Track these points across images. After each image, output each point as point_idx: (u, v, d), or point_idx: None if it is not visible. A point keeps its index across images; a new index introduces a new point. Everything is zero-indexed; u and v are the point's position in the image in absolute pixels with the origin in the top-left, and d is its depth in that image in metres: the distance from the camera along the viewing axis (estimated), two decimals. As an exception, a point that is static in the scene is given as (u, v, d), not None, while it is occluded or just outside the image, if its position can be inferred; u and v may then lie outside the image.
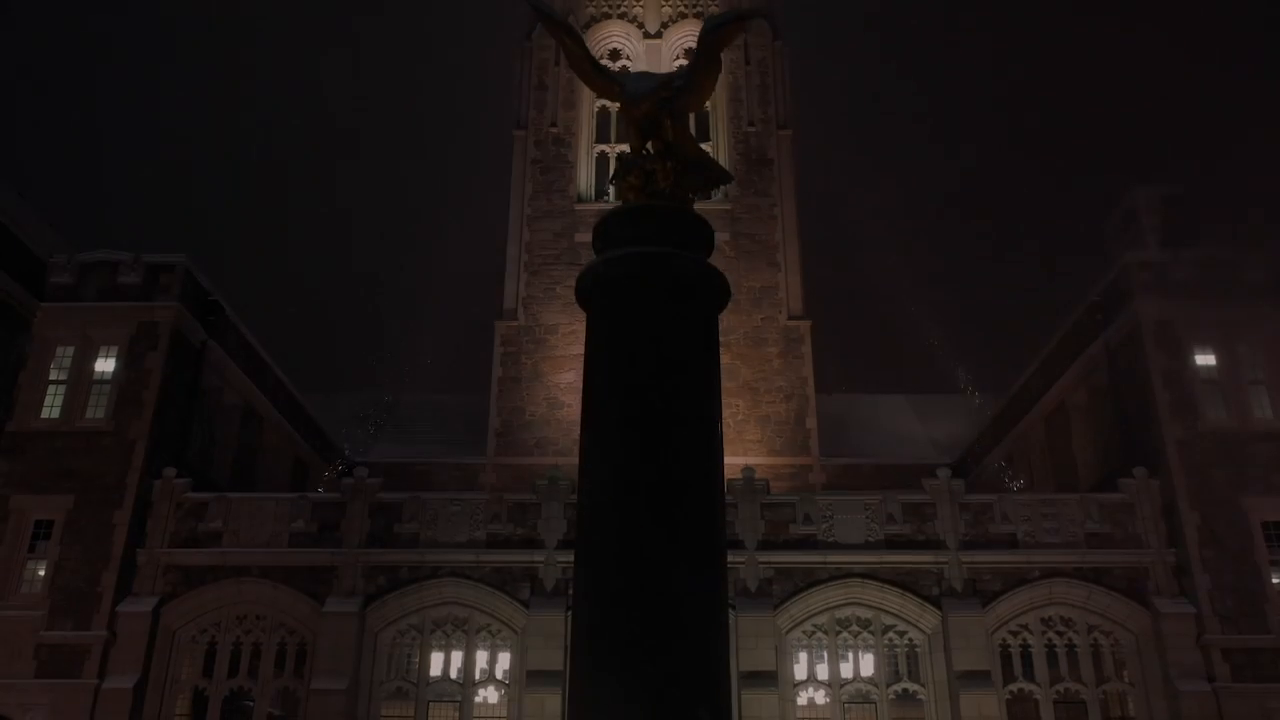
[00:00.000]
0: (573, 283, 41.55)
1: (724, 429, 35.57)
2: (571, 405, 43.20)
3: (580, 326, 39.26)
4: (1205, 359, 27.91)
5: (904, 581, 25.83)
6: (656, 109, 9.39)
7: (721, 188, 47.34)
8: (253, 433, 33.46)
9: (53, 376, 28.07)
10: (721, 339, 35.61)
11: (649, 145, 9.50)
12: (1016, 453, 35.86)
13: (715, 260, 37.61)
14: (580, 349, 38.54)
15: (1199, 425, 26.74)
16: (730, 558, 25.35)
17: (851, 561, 26.05)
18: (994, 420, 38.03)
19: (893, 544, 26.19)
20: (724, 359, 42.99)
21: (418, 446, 45.15)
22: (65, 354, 28.30)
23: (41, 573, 26.13)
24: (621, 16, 51.06)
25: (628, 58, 50.63)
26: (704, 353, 8.75)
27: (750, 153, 47.96)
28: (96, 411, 27.60)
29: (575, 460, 37.26)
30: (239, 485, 32.34)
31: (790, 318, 44.61)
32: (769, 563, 26.06)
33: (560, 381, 43.69)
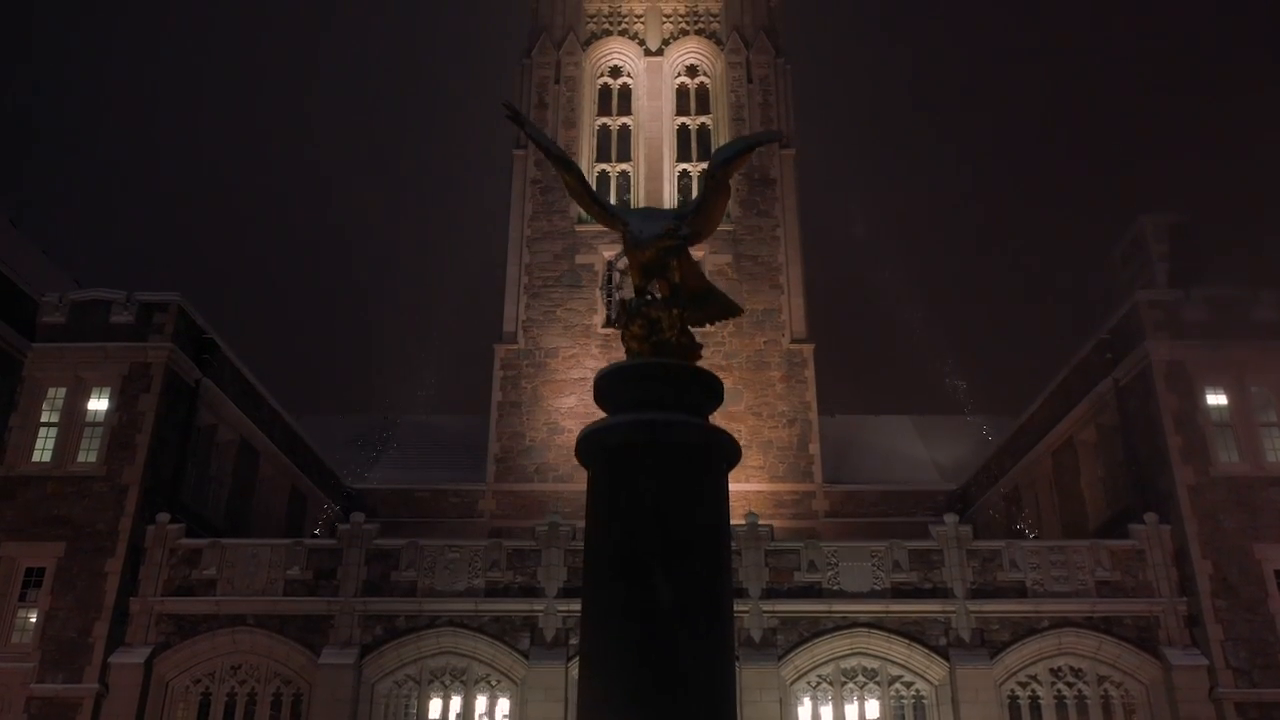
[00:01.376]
0: (574, 305, 41.22)
1: None
2: (572, 430, 42.68)
3: (581, 350, 38.77)
4: (1217, 400, 27.42)
5: (911, 631, 25.35)
6: (663, 255, 8.90)
7: (726, 215, 46.82)
8: (249, 467, 32.98)
9: (44, 419, 27.57)
10: (724, 362, 35.42)
11: (653, 287, 9.01)
12: (1023, 485, 35.38)
13: (718, 281, 37.23)
14: (581, 373, 38.16)
15: (1210, 470, 26.25)
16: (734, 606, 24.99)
17: (857, 611, 25.56)
18: (999, 451, 37.55)
19: (899, 592, 25.71)
20: (726, 382, 42.48)
21: (417, 471, 44.71)
22: (57, 395, 27.81)
23: (33, 619, 25.66)
24: (622, 33, 50.55)
25: (628, 75, 50.13)
26: (713, 527, 8.22)
27: (752, 172, 47.41)
28: (89, 455, 27.11)
29: (576, 487, 36.85)
30: (235, 522, 31.94)
31: (793, 340, 44.16)
32: (773, 612, 25.58)
33: (561, 406, 43.23)
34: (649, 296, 9.08)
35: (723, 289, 44.23)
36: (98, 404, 27.81)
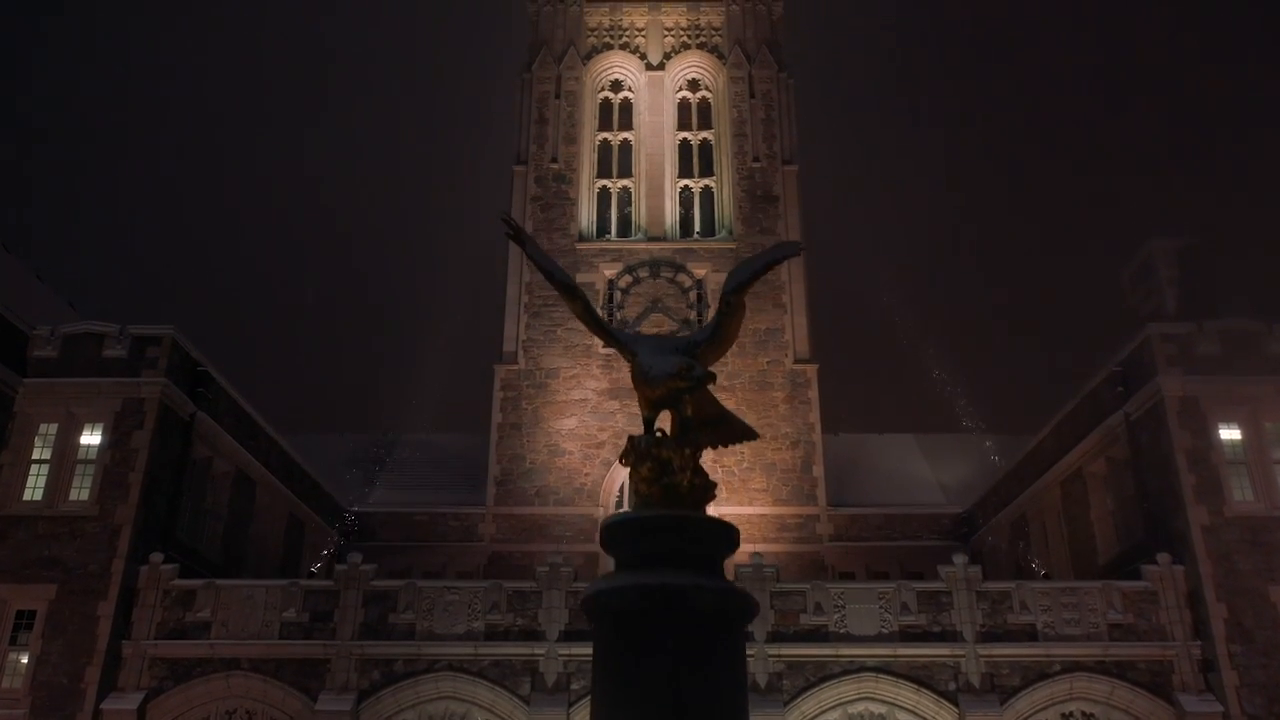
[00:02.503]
0: (575, 324, 40.32)
1: (728, 477, 34.75)
2: (573, 453, 42.27)
3: (582, 370, 38.22)
4: (1230, 435, 26.88)
5: (919, 676, 24.84)
6: (675, 394, 8.36)
7: (725, 227, 46.30)
8: (245, 498, 32.45)
9: (35, 456, 27.03)
10: (726, 383, 34.82)
11: (662, 423, 8.48)
12: (1031, 513, 34.87)
13: (718, 301, 36.38)
14: (582, 393, 37.61)
15: (1225, 510, 25.74)
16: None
17: (865, 654, 25.05)
18: (1006, 476, 37.02)
19: (907, 636, 25.19)
20: (728, 403, 42.06)
21: (416, 492, 44.19)
22: (49, 431, 27.26)
23: (24, 662, 25.14)
24: (624, 47, 49.99)
25: (629, 89, 49.57)
26: (731, 691, 7.67)
27: (755, 189, 46.94)
28: (80, 493, 26.58)
29: (576, 510, 36.59)
30: (231, 555, 31.44)
31: (796, 361, 43.64)
32: (779, 655, 25.05)
33: (561, 428, 42.72)
34: (658, 433, 8.53)
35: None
36: (90, 440, 27.28)
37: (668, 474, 8.18)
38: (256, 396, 33.31)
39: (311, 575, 34.67)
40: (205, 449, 29.80)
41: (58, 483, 26.61)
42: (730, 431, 9.66)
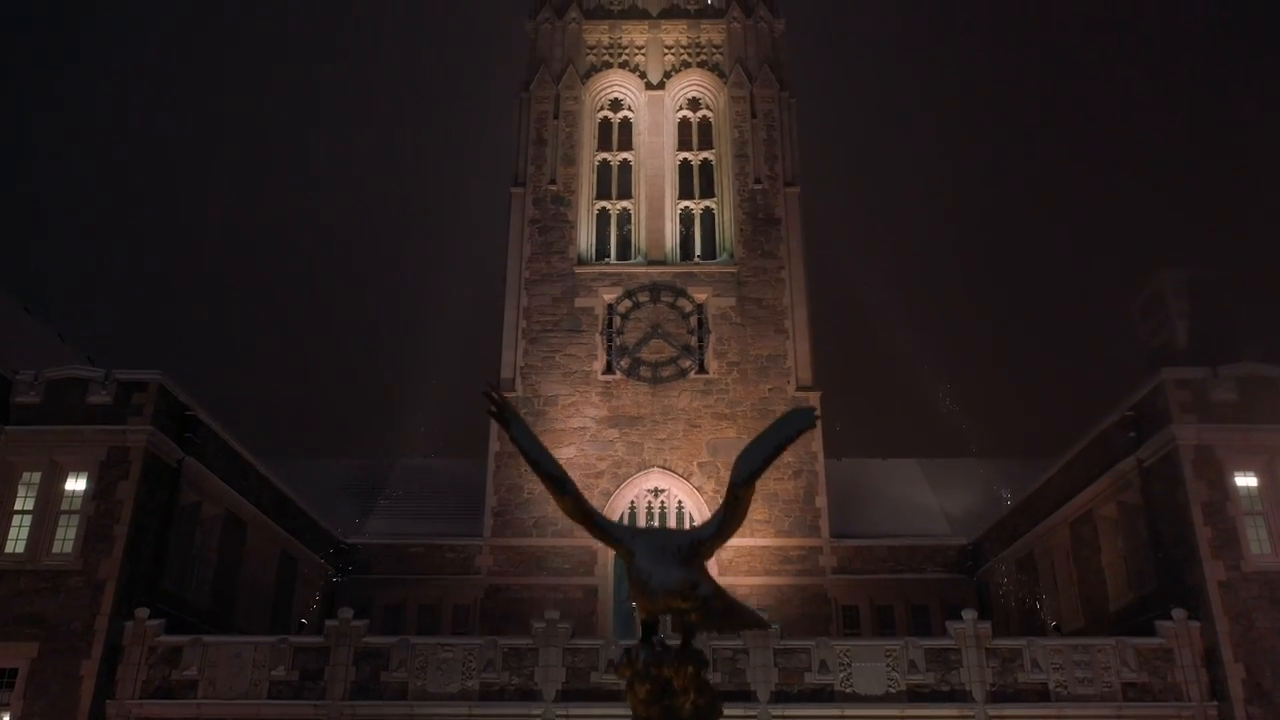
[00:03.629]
0: (574, 350, 39.70)
1: None
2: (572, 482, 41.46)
3: (581, 398, 37.44)
4: (1247, 484, 26.13)
5: (928, 738, 24.10)
6: (675, 611, 7.60)
7: (726, 250, 45.49)
8: (236, 540, 31.70)
9: (18, 506, 26.28)
10: (727, 410, 34.08)
11: (662, 628, 7.73)
12: (1039, 552, 34.10)
13: (721, 326, 36.09)
14: (580, 421, 36.89)
15: (1242, 565, 24.98)
16: (741, 711, 23.71)
17: (872, 715, 24.33)
18: (1013, 512, 36.25)
19: (915, 695, 24.46)
20: (730, 432, 41.85)
21: (412, 521, 43.45)
22: (32, 480, 26.51)
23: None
24: (623, 66, 49.20)
25: (629, 108, 48.78)
26: None
27: (757, 211, 46.18)
28: (64, 545, 25.82)
29: (575, 542, 35.68)
30: (221, 598, 30.72)
31: (799, 388, 42.90)
32: (783, 717, 24.32)
33: (560, 457, 41.27)
34: (657, 645, 7.75)
35: (727, 333, 42.67)
36: (74, 489, 26.53)
37: (668, 695, 7.42)
38: (252, 421, 32.83)
39: (302, 627, 33.90)
40: (193, 494, 29.04)
41: (40, 535, 25.86)
42: (738, 621, 8.89)
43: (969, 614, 25.27)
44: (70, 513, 26.25)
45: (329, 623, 25.64)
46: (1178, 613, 24.91)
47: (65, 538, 25.97)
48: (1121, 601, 28.76)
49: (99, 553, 25.46)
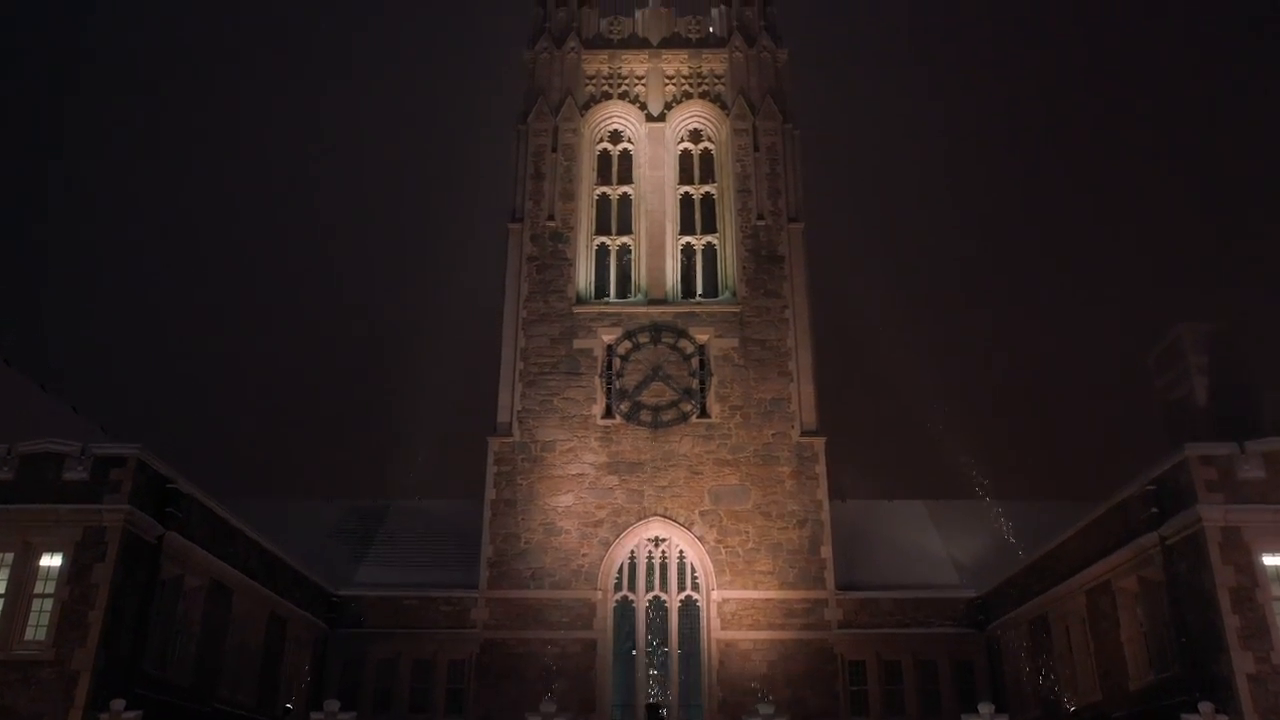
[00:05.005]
0: (572, 393, 38.72)
1: (732, 558, 32.70)
2: (570, 531, 40.43)
3: (579, 443, 36.14)
4: (1277, 566, 24.97)
5: (942, 842, 22.98)
6: None
7: (729, 288, 44.30)
8: (221, 609, 30.55)
9: (-11, 589, 25.12)
10: (729, 456, 32.91)
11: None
12: (1053, 616, 32.95)
13: (722, 368, 35.00)
14: (579, 467, 35.64)
15: (1272, 656, 23.82)
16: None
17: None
18: (1025, 570, 35.07)
19: (929, 795, 23.31)
20: (732, 479, 40.68)
21: (407, 570, 42.28)
22: (5, 561, 25.36)
23: (-25, 818, 23.30)
24: (623, 97, 48.09)
25: (629, 140, 47.68)
26: None
27: (759, 248, 45.10)
28: (37, 633, 24.67)
29: (573, 594, 34.52)
30: (205, 671, 29.63)
31: (803, 433, 41.79)
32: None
33: (557, 505, 40.85)
34: None
35: (729, 376, 41.38)
36: (49, 566, 25.37)
37: None
38: (243, 462, 31.63)
39: (287, 712, 32.72)
40: (175, 568, 27.89)
41: (12, 622, 24.69)
42: None
43: (985, 707, 24.14)
44: (44, 596, 25.09)
45: (314, 715, 24.48)
46: (1205, 706, 23.77)
47: (38, 624, 24.82)
48: (1143, 681, 27.63)
49: (73, 641, 24.29)
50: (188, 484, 28.17)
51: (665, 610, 39.53)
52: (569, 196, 45.88)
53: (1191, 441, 26.33)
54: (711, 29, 49.39)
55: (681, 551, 40.15)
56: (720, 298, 44.59)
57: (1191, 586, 25.40)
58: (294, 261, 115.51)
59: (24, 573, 25.23)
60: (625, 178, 47.08)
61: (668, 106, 47.74)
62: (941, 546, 44.53)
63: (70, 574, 24.94)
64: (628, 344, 43.12)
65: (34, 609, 24.98)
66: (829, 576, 39.70)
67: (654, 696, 37.39)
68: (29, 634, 24.73)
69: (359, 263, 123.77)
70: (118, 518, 25.27)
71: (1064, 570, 31.85)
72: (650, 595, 39.78)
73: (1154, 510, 26.61)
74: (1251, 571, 24.56)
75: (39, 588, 25.19)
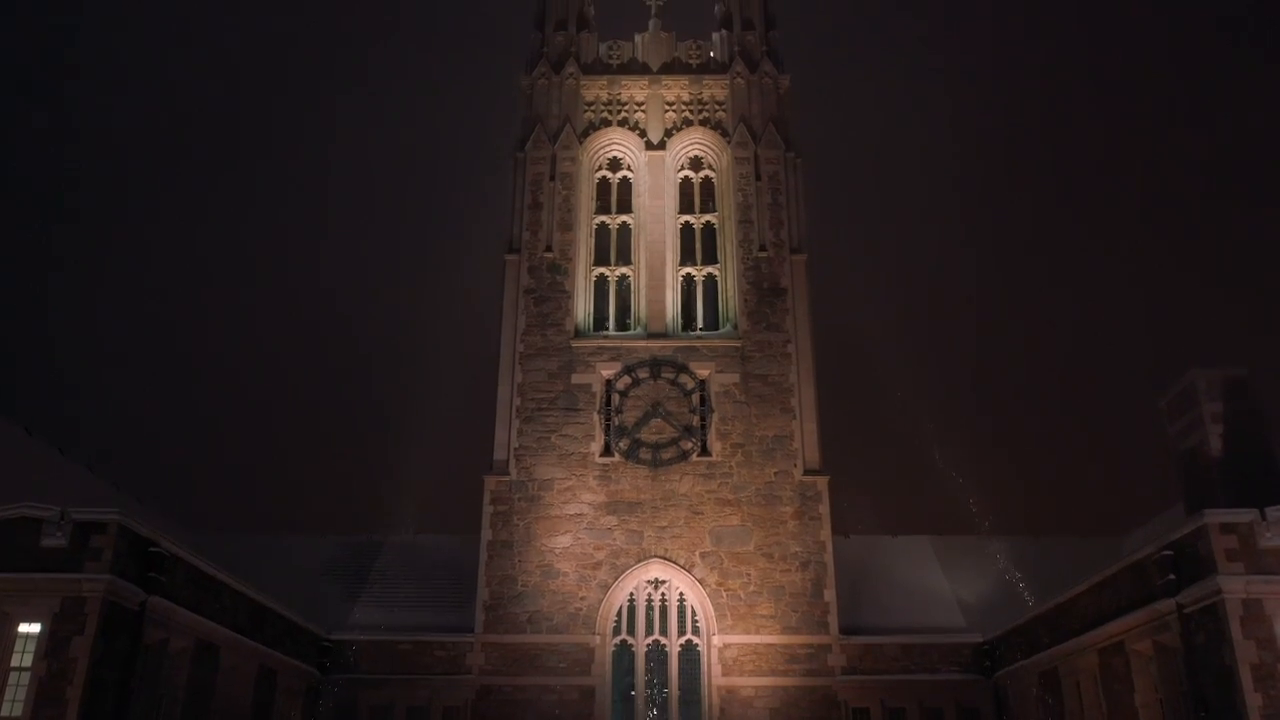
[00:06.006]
0: (570, 430, 37.51)
1: (734, 602, 31.61)
2: (568, 574, 39.49)
3: (578, 482, 35.05)
4: (1299, 638, 24.06)
5: None
6: None
7: (730, 320, 43.38)
8: (207, 668, 29.63)
9: (-37, 663, 24.21)
10: (731, 496, 31.76)
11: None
12: (1064, 671, 32.06)
13: (724, 404, 34.03)
14: (577, 507, 34.53)
15: (1297, 738, 22.94)
16: None
17: None
18: (1034, 620, 34.18)
19: None
20: (734, 520, 39.67)
21: (400, 612, 41.36)
22: (-21, 632, 24.44)
23: None
24: (622, 124, 47.13)
25: (628, 168, 46.75)
26: None
27: (761, 280, 44.13)
28: (14, 708, 23.71)
29: (571, 638, 33.33)
30: (190, 735, 28.69)
31: (806, 472, 40.89)
32: None
33: (555, 546, 39.91)
34: None
35: (730, 412, 40.26)
36: (25, 641, 24.45)
37: None
38: (235, 497, 30.78)
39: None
40: (159, 632, 26.96)
41: (-13, 698, 23.80)
42: None
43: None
44: (21, 669, 24.17)
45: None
46: (1226, 790, 22.88)
47: (15, 698, 23.88)
48: (1158, 752, 26.75)
49: (51, 718, 23.36)
50: (171, 544, 27.25)
51: (665, 655, 38.63)
52: (567, 226, 44.95)
53: (1206, 498, 25.51)
54: (713, 54, 48.45)
55: (682, 594, 39.25)
56: (721, 331, 43.68)
57: (1210, 659, 24.49)
58: (289, 295, 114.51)
59: (0, 644, 24.31)
60: (624, 206, 46.16)
61: (668, 133, 46.82)
62: (946, 585, 43.67)
63: (48, 648, 24.00)
64: (627, 379, 42.21)
65: (10, 682, 24.04)
66: (832, 621, 38.80)
67: (654, 746, 36.48)
68: (4, 709, 23.79)
69: (355, 291, 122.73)
70: (98, 587, 24.34)
71: (1076, 626, 30.96)
72: (650, 640, 38.88)
73: (1171, 577, 25.71)
74: (1274, 647, 23.64)
75: (16, 660, 24.25)
